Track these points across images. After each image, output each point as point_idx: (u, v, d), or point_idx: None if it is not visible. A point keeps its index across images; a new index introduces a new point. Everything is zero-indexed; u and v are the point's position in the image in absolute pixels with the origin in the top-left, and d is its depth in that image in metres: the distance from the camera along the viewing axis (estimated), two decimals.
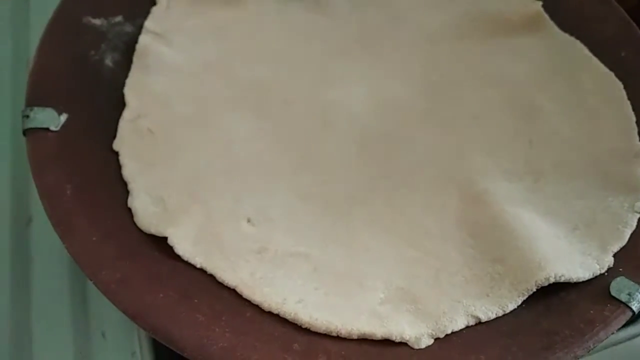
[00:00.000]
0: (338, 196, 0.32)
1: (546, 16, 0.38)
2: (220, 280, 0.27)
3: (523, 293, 0.27)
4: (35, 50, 0.32)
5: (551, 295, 0.27)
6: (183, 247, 0.27)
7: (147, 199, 0.29)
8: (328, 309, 0.26)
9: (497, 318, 0.27)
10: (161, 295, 0.25)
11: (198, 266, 0.27)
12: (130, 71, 0.33)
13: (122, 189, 0.29)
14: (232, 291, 0.27)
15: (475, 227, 0.31)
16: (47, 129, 0.29)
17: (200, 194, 0.30)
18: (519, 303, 0.27)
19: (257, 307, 0.26)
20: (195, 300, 0.26)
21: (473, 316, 0.27)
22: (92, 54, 0.33)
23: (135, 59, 0.34)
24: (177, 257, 0.27)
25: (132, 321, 0.24)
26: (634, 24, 0.37)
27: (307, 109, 0.35)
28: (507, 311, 0.27)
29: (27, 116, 0.29)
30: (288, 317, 0.26)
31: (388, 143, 0.35)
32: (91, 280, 0.25)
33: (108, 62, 0.33)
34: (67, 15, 0.33)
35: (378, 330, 0.26)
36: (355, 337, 0.26)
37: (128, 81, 0.33)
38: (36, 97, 0.30)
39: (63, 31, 0.33)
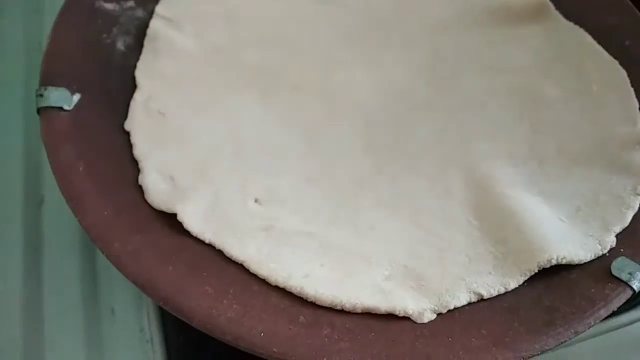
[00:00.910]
0: (344, 179, 0.32)
1: (551, 5, 0.38)
2: (228, 255, 0.28)
3: (525, 273, 0.28)
4: (49, 33, 0.32)
5: (553, 274, 0.28)
6: (192, 222, 0.28)
7: (158, 177, 0.29)
8: (333, 284, 0.27)
9: (499, 295, 0.27)
10: (171, 267, 0.26)
11: (207, 242, 0.28)
12: (141, 55, 0.34)
13: (133, 167, 0.30)
14: (240, 266, 0.27)
15: (479, 210, 0.31)
16: (61, 108, 0.30)
17: (209, 173, 0.31)
18: (521, 282, 0.28)
19: (264, 282, 0.27)
20: (204, 274, 0.26)
21: (475, 293, 0.27)
22: (104, 37, 0.34)
23: (146, 42, 0.34)
24: (186, 233, 0.28)
25: (142, 291, 0.25)
26: (639, 13, 0.37)
27: (314, 94, 0.36)
28: (509, 289, 0.27)
29: (41, 95, 0.30)
30: (294, 291, 0.26)
31: (393, 128, 0.35)
32: (103, 252, 0.26)
33: (120, 45, 0.34)
34: (80, 0, 0.34)
35: (382, 304, 0.26)
36: (360, 311, 0.26)
37: (139, 64, 0.34)
38: (50, 77, 0.31)
39: (76, 15, 0.33)
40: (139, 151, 0.30)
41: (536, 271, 0.28)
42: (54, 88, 0.30)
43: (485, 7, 0.39)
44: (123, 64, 0.33)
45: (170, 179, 0.30)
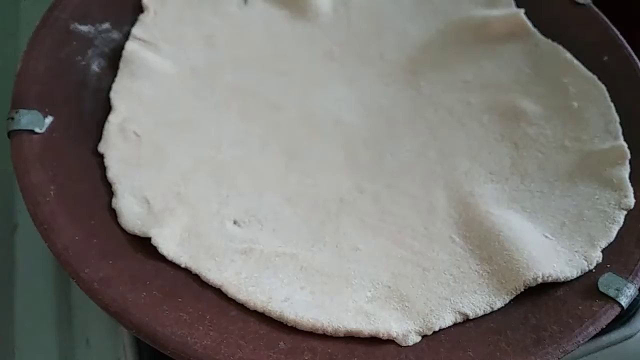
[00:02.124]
0: (325, 198, 0.32)
1: (528, 23, 0.38)
2: (205, 279, 0.27)
3: (511, 292, 0.27)
4: (22, 55, 0.32)
5: (539, 291, 0.27)
6: (167, 246, 0.27)
7: (132, 200, 0.29)
8: (314, 308, 0.26)
9: (485, 315, 0.26)
10: (144, 293, 0.25)
11: (183, 266, 0.27)
12: (116, 76, 0.33)
13: (106, 190, 0.29)
14: (217, 291, 0.26)
15: (463, 228, 0.31)
16: (32, 131, 0.29)
17: (186, 195, 0.30)
18: (507, 301, 0.27)
19: (242, 307, 0.26)
20: (179, 299, 0.25)
21: (461, 313, 0.26)
22: (78, 59, 0.33)
23: (121, 64, 0.34)
24: (161, 257, 0.27)
25: (115, 319, 0.24)
26: (615, 30, 0.38)
27: (294, 113, 0.36)
28: (495, 308, 0.27)
29: (12, 118, 0.29)
30: (273, 316, 0.25)
31: (374, 146, 0.35)
32: (73, 279, 0.25)
33: (95, 67, 0.33)
34: (54, 22, 0.33)
35: (365, 327, 0.25)
36: (342, 335, 0.25)
37: (114, 86, 0.33)
38: (21, 100, 0.30)
39: (50, 37, 0.33)
40: (112, 173, 0.29)
41: (522, 290, 0.27)
42: (25, 111, 0.29)
43: (465, 25, 0.39)
44: (97, 86, 0.33)
45: (145, 202, 0.29)
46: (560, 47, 0.37)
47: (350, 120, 0.36)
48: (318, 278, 0.28)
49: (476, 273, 0.28)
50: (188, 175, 0.31)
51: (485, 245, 0.29)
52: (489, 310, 0.26)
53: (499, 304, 0.27)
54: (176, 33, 0.36)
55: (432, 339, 0.25)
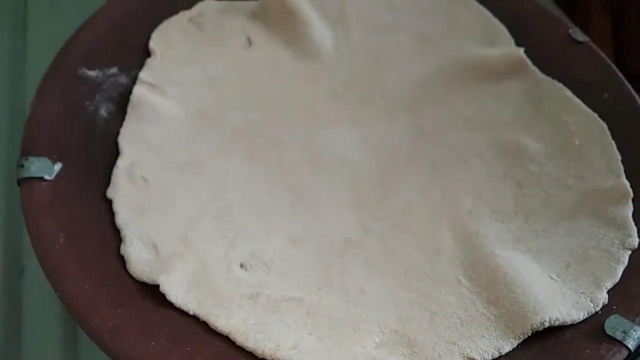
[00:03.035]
0: (331, 239, 0.32)
1: (528, 61, 0.39)
2: (213, 327, 0.27)
3: (519, 336, 0.27)
4: (31, 101, 0.32)
5: (546, 334, 0.27)
6: (175, 294, 0.27)
7: (140, 246, 0.29)
8: (323, 355, 0.26)
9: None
10: (153, 343, 0.25)
11: (191, 313, 0.27)
12: (124, 121, 0.34)
13: (115, 236, 0.29)
14: (225, 338, 0.26)
15: (469, 269, 0.31)
16: (42, 178, 0.30)
17: (193, 239, 0.30)
18: (515, 345, 0.27)
19: (250, 354, 0.26)
20: (188, 348, 0.25)
21: (469, 358, 0.26)
22: (87, 105, 0.33)
23: (129, 109, 0.34)
24: (170, 305, 0.27)
25: None
26: (615, 67, 0.38)
27: (298, 152, 0.36)
28: (503, 353, 0.27)
29: (22, 166, 0.29)
30: None
31: (378, 185, 0.35)
32: (83, 328, 0.25)
33: (103, 112, 0.34)
34: (63, 67, 0.34)
35: None
36: None
37: (122, 130, 0.33)
38: (31, 146, 0.30)
39: (59, 82, 0.33)
40: (121, 219, 0.30)
41: (530, 334, 0.27)
42: (35, 158, 0.30)
43: (465, 64, 0.40)
44: (106, 130, 0.33)
45: (153, 248, 0.29)
46: (561, 85, 0.38)
47: (354, 159, 0.36)
48: (325, 323, 0.28)
49: (483, 316, 0.28)
50: (194, 218, 0.31)
51: (491, 288, 0.29)
52: (497, 354, 0.27)
53: (506, 348, 0.27)
54: (182, 76, 0.37)
55: None
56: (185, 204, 0.32)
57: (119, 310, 0.26)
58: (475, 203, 0.34)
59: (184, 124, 0.35)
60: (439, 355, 0.26)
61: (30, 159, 0.30)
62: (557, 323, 0.27)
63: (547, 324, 0.27)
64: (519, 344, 0.27)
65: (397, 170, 0.36)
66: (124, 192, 0.31)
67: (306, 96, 0.39)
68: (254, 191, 0.34)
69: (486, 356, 0.26)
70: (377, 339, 0.27)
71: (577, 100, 0.37)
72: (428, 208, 0.34)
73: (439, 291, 0.30)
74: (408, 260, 0.31)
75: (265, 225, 0.32)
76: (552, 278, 0.30)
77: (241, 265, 0.30)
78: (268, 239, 0.32)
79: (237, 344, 0.26)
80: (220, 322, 0.27)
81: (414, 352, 0.27)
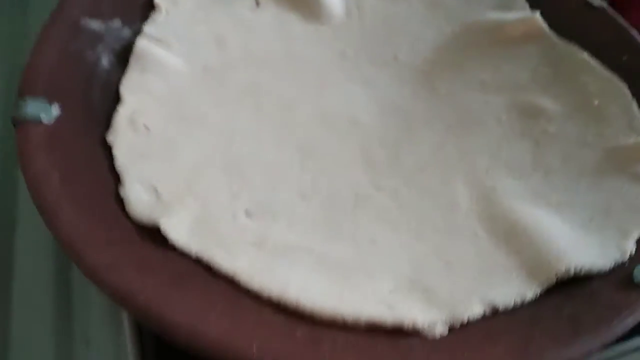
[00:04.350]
0: (341, 194, 0.31)
1: (544, 25, 0.38)
2: (217, 268, 0.25)
3: (543, 283, 0.25)
4: (32, 48, 0.31)
5: (571, 283, 0.26)
6: (177, 235, 0.26)
7: (140, 189, 0.27)
8: (333, 298, 0.24)
9: (515, 308, 0.25)
10: (152, 280, 0.23)
11: (193, 254, 0.25)
12: (126, 71, 0.33)
13: (114, 180, 0.28)
14: (229, 281, 0.25)
15: (486, 223, 0.29)
16: (39, 121, 0.28)
17: (197, 186, 0.29)
18: (538, 292, 0.25)
19: (256, 297, 0.24)
20: (189, 287, 0.24)
21: (490, 304, 0.25)
22: (88, 54, 0.32)
23: (132, 60, 0.33)
24: (170, 247, 0.25)
25: (120, 305, 0.22)
26: (633, 31, 0.37)
27: (308, 112, 0.35)
28: (526, 300, 0.25)
29: (19, 106, 0.28)
30: (289, 305, 0.24)
31: (391, 145, 0.34)
32: (78, 265, 0.23)
33: (104, 62, 0.33)
34: (64, 16, 0.33)
35: (388, 317, 0.23)
36: (363, 325, 0.23)
37: (124, 80, 0.32)
38: (29, 88, 0.29)
39: (59, 31, 0.32)
40: (120, 163, 0.28)
41: (554, 282, 0.25)
42: (32, 98, 0.28)
43: (480, 28, 0.39)
44: (107, 80, 0.32)
45: (154, 191, 0.27)
46: (577, 48, 0.37)
47: (365, 119, 0.35)
48: (336, 270, 0.26)
49: (503, 267, 0.27)
50: (199, 168, 0.30)
51: (511, 239, 0.28)
52: (519, 301, 0.25)
53: (529, 295, 0.25)
54: (188, 33, 0.36)
55: (460, 330, 0.24)
56: (189, 154, 0.30)
57: (116, 248, 0.24)
58: (492, 161, 0.33)
59: (189, 79, 0.34)
60: (458, 301, 0.25)
61: (27, 99, 0.28)
62: (582, 271, 0.25)
63: (572, 272, 0.25)
64: (542, 293, 0.25)
65: (410, 131, 0.34)
66: (124, 137, 0.29)
67: (315, 57, 0.38)
68: (261, 146, 0.32)
69: (508, 303, 0.25)
70: (390, 285, 0.26)
71: (594, 62, 0.36)
72: (442, 166, 0.32)
73: (455, 243, 0.28)
74: (422, 215, 0.30)
75: (272, 179, 0.31)
76: (575, 230, 0.28)
77: (247, 214, 0.28)
78: (275, 191, 0.30)
79: (242, 285, 0.24)
80: (225, 263, 0.25)
81: (431, 297, 0.25)
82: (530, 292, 0.25)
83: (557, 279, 0.25)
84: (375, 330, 0.23)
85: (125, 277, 0.23)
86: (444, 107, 0.36)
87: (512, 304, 0.25)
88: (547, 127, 0.34)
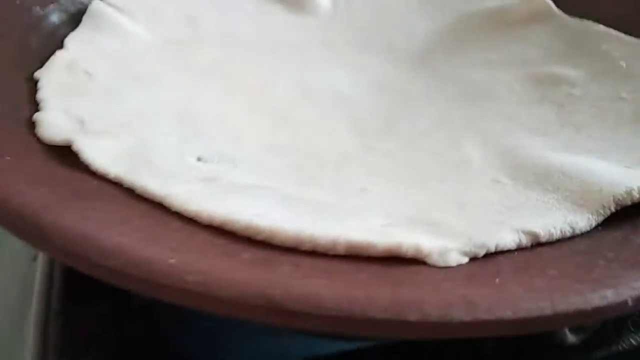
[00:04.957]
0: (325, 151, 0.24)
1: (552, 4, 0.34)
2: (141, 192, 0.18)
3: (597, 211, 0.18)
4: None
5: (633, 215, 0.18)
6: (94, 155, 0.19)
7: (60, 116, 0.21)
8: (301, 223, 0.17)
9: (565, 239, 0.17)
10: (46, 190, 0.17)
11: (111, 177, 0.19)
12: (77, 28, 0.28)
13: (30, 109, 0.22)
14: (155, 205, 0.18)
15: (509, 172, 0.22)
16: None
17: (138, 128, 0.23)
18: (593, 222, 0.18)
19: (190, 221, 0.17)
20: (95, 203, 0.17)
21: (527, 232, 0.17)
22: (36, 8, 0.28)
23: (85, 18, 0.29)
24: (83, 170, 0.19)
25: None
26: None
27: (285, 86, 0.29)
28: (578, 229, 0.18)
29: None
30: (237, 227, 0.17)
31: (384, 116, 0.28)
32: None
33: (53, 18, 0.29)
34: None
35: (379, 241, 0.16)
36: (343, 250, 0.16)
37: (72, 34, 0.28)
38: None
39: None
40: (44, 94, 0.23)
41: (613, 210, 0.18)
42: None
43: (480, 15, 0.35)
44: (53, 33, 0.28)
45: (78, 122, 0.21)
46: (592, 22, 0.33)
47: (353, 94, 0.30)
48: (307, 207, 0.19)
49: (539, 201, 0.19)
50: (145, 114, 0.24)
51: (545, 180, 0.21)
52: (569, 230, 0.17)
53: (582, 224, 0.18)
54: (155, 6, 0.32)
55: (485, 261, 0.16)
56: (135, 101, 0.25)
57: (7, 158, 0.18)
58: (508, 124, 0.27)
59: (152, 46, 0.30)
60: (480, 231, 0.17)
61: None
62: None
63: (636, 195, 0.18)
64: (599, 226, 0.18)
65: (406, 105, 0.29)
66: (57, 75, 0.24)
67: (297, 42, 0.33)
68: (226, 108, 0.27)
69: (553, 232, 0.17)
70: (384, 221, 0.18)
71: (613, 31, 0.31)
72: (448, 132, 0.26)
73: (471, 188, 0.21)
74: (425, 170, 0.23)
75: (236, 134, 0.25)
76: (626, 167, 0.21)
77: (198, 159, 0.22)
78: (238, 144, 0.24)
79: (174, 209, 0.17)
80: (153, 187, 0.18)
81: (440, 230, 0.18)
82: (581, 220, 0.18)
83: (616, 205, 0.18)
84: (359, 258, 0.16)
85: (9, 183, 0.16)
86: (446, 83, 0.30)
87: (558, 234, 0.17)
88: (570, 91, 0.28)
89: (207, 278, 0.13)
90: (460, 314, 0.12)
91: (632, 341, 0.19)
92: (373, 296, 0.13)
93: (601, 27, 0.32)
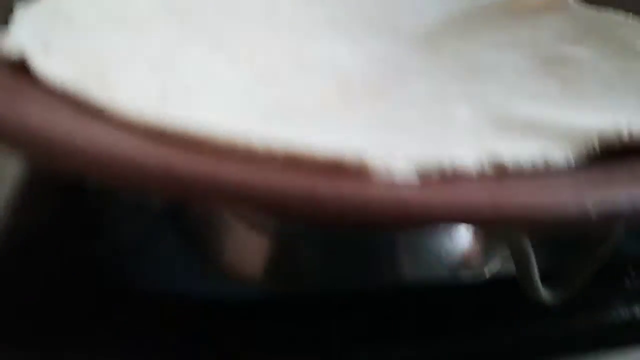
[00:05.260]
0: (304, 101, 0.23)
1: None
2: (87, 102, 0.17)
3: (580, 148, 0.16)
4: None
5: None
6: (40, 60, 0.18)
7: (22, 33, 0.21)
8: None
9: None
10: None
11: (58, 85, 0.17)
12: None
13: None
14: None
15: (497, 123, 0.21)
16: None
17: (106, 57, 0.22)
18: (572, 160, 0.16)
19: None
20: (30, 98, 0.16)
21: (491, 154, 0.15)
22: None
23: None
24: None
25: None
26: None
27: (279, 54, 0.28)
28: (553, 164, 0.15)
29: None
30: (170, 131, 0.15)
31: (377, 85, 0.27)
32: None
33: None
34: None
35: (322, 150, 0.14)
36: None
37: None
38: None
39: None
40: (16, 18, 0.22)
41: (596, 147, 0.16)
42: None
43: (492, 3, 0.34)
44: None
45: (41, 43, 0.21)
46: (606, 11, 0.31)
47: (348, 65, 0.28)
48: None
49: (518, 140, 0.17)
50: (119, 52, 0.23)
51: (531, 127, 0.19)
52: (541, 164, 0.15)
53: (558, 157, 0.15)
54: None
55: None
56: (108, 43, 0.24)
57: None
58: (506, 92, 0.25)
59: (144, 7, 0.29)
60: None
61: None
62: None
63: (625, 135, 0.16)
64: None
65: (403, 77, 0.27)
66: (34, 13, 0.23)
67: (299, 17, 0.32)
68: (211, 60, 0.26)
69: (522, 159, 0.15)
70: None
71: (630, 19, 0.30)
72: (441, 98, 0.25)
73: (449, 133, 0.19)
74: (406, 123, 0.22)
75: (214, 84, 0.24)
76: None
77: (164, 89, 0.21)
78: (214, 90, 0.23)
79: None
80: (100, 94, 0.17)
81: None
82: (559, 156, 0.16)
83: (601, 144, 0.16)
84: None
85: None
86: (447, 60, 0.29)
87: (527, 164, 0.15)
88: (579, 68, 0.26)
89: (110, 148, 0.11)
90: None
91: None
92: None
93: (616, 16, 0.30)
